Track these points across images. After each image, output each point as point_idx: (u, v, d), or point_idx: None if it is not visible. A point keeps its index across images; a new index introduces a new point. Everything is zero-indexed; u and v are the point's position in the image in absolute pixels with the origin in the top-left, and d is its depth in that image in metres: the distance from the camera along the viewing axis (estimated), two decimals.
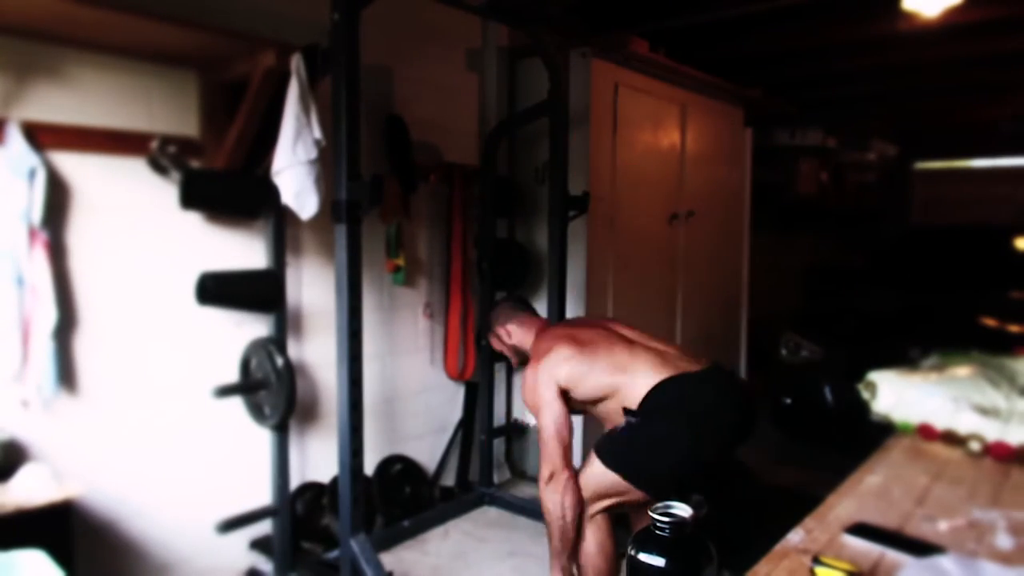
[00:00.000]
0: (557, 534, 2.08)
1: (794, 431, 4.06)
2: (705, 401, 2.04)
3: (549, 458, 2.06)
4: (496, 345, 2.58)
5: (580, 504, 2.05)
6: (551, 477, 2.05)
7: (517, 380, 3.65)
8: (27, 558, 1.28)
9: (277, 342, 2.45)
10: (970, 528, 1.12)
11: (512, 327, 2.50)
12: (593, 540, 2.11)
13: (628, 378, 2.07)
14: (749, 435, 2.11)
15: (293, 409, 2.43)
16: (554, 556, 2.13)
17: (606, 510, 2.11)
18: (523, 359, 2.46)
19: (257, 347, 2.45)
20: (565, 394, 2.11)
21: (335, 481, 2.64)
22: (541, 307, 2.99)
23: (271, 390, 2.41)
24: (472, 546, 2.87)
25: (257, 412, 2.49)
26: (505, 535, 2.97)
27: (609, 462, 2.03)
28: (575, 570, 2.13)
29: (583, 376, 2.10)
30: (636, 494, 2.01)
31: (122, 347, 2.22)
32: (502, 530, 3.02)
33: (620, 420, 2.08)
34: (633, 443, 2.02)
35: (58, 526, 1.80)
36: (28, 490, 1.80)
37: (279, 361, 2.39)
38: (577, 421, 3.43)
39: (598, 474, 2.05)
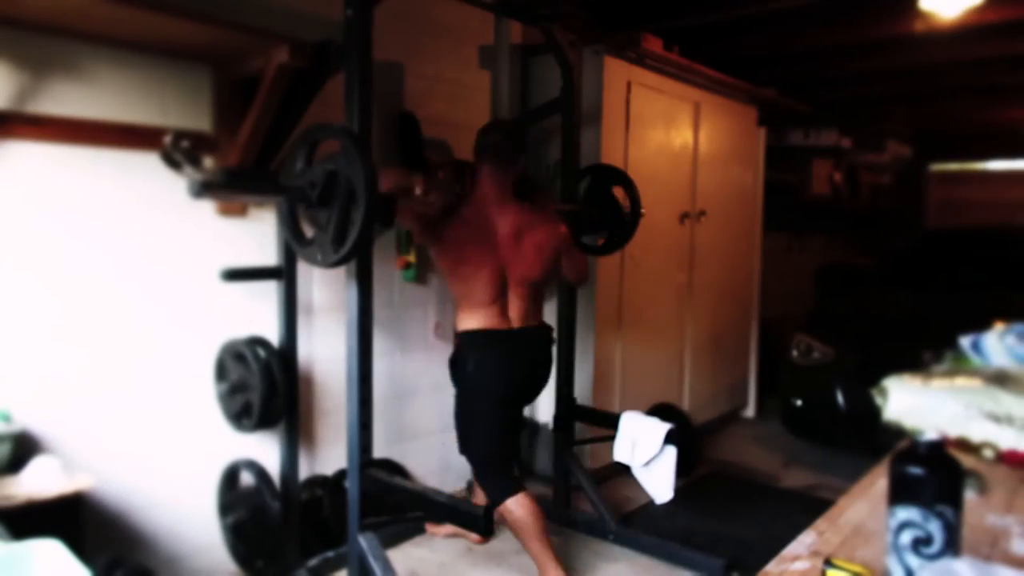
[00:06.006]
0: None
1: (805, 433, 4.03)
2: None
3: None
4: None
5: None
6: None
7: None
8: (43, 547, 1.29)
9: (286, 336, 2.46)
10: (984, 533, 1.11)
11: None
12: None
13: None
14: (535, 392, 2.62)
15: (298, 405, 2.43)
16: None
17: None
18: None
19: (257, 345, 2.46)
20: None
21: (342, 475, 2.64)
22: (550, 305, 2.98)
23: (272, 391, 2.42)
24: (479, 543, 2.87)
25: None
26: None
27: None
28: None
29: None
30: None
31: (135, 339, 2.23)
32: None
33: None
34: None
35: (69, 518, 1.81)
36: (39, 482, 1.81)
37: (281, 359, 2.39)
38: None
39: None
